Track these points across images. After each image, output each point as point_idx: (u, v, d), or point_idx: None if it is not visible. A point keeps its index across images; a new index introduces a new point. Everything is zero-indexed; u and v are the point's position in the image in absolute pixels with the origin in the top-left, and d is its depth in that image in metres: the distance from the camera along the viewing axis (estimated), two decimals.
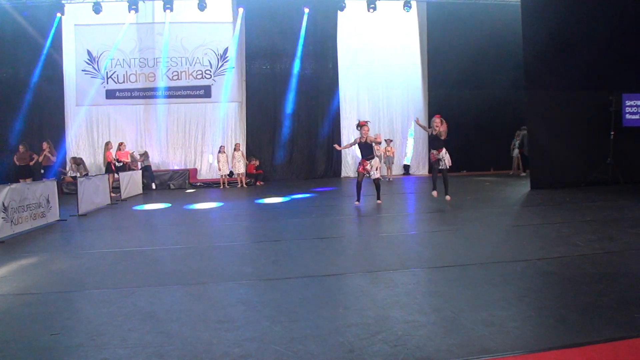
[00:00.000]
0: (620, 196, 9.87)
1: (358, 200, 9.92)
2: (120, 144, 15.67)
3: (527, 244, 5.76)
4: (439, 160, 9.74)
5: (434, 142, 9.93)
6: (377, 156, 17.08)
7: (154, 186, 16.64)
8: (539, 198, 10.20)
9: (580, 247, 5.49)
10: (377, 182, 9.99)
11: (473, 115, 18.97)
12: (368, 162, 9.81)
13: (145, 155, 17.22)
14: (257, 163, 18.05)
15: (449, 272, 4.65)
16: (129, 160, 15.85)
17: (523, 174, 16.54)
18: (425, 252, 5.61)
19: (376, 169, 9.84)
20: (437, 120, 9.77)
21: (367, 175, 9.85)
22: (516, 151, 17.40)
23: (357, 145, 9.94)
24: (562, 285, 4.16)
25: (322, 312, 3.69)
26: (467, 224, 7.37)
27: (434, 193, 9.93)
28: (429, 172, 19.43)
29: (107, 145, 15.21)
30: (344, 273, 4.79)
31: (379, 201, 9.95)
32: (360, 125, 9.79)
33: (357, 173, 10.03)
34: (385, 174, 17.42)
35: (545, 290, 4.05)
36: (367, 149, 9.80)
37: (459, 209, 8.97)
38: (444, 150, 9.74)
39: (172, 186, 17.12)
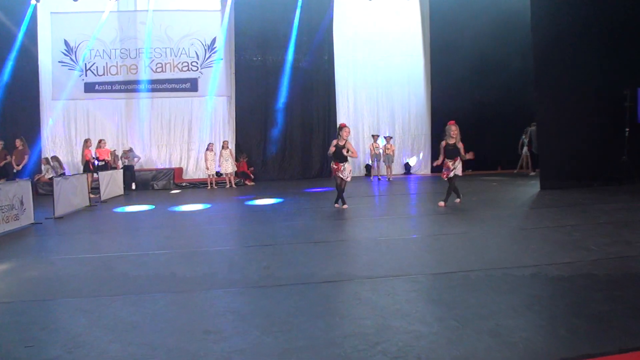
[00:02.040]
0: (636, 196, 9.91)
1: (344, 203, 9.90)
2: (100, 141, 15.63)
3: (536, 248, 5.78)
4: (451, 169, 9.66)
5: (450, 152, 9.73)
6: (377, 154, 17.34)
7: (133, 186, 16.59)
8: (549, 199, 10.23)
9: (594, 251, 5.51)
10: (343, 187, 9.89)
11: (479, 110, 19.02)
12: (342, 164, 9.68)
13: (130, 152, 17.15)
14: (247, 158, 18.00)
15: (453, 278, 4.66)
16: (109, 158, 15.80)
17: (532, 173, 16.59)
18: (428, 258, 5.61)
19: (349, 172, 9.82)
20: (453, 127, 9.72)
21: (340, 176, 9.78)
22: (525, 149, 17.46)
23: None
24: (573, 293, 4.17)
25: (317, 322, 3.69)
26: (473, 227, 7.39)
27: (442, 204, 9.77)
28: (432, 171, 19.53)
29: (87, 142, 15.15)
30: (341, 280, 4.79)
31: (337, 205, 9.96)
32: (341, 128, 9.76)
33: (334, 177, 9.91)
34: (385, 173, 17.45)
35: (555, 298, 4.06)
36: (341, 155, 9.63)
37: (464, 211, 8.98)
38: (458, 159, 9.71)
39: (155, 186, 17.08)
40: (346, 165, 9.71)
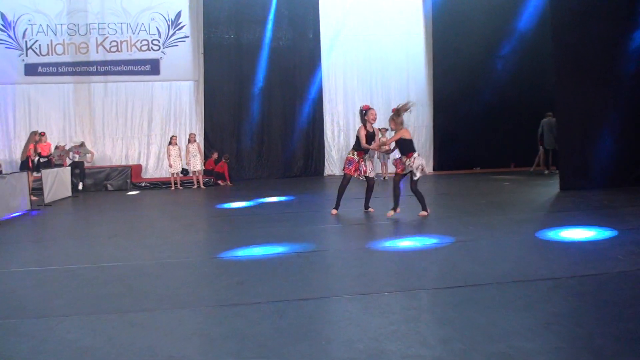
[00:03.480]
0: None
1: (337, 208, 9.70)
2: (42, 135, 15.46)
3: (555, 258, 5.82)
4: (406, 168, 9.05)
5: (402, 145, 9.11)
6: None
7: (80, 186, 16.46)
8: (569, 201, 10.32)
9: (621, 261, 5.56)
10: (372, 183, 9.78)
11: (489, 98, 19.14)
12: (364, 161, 9.56)
13: (82, 147, 17.00)
14: (228, 159, 17.93)
15: (459, 293, 4.68)
16: (51, 153, 15.66)
17: (546, 172, 16.71)
18: (430, 270, 5.64)
19: (371, 169, 9.74)
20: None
21: (361, 177, 9.68)
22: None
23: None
24: (598, 309, 4.21)
25: (299, 346, 3.68)
26: (481, 234, 7.43)
27: (390, 213, 9.13)
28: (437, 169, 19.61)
29: (33, 135, 14.96)
30: (328, 296, 4.79)
31: (370, 209, 9.81)
32: (365, 110, 9.50)
33: (343, 174, 9.69)
34: (380, 171, 17.49)
35: (578, 316, 4.09)
36: (370, 142, 9.53)
37: (471, 216, 9.03)
38: (415, 153, 9.03)
39: (109, 187, 16.98)
40: (368, 161, 9.67)
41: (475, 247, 6.60)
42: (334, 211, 9.69)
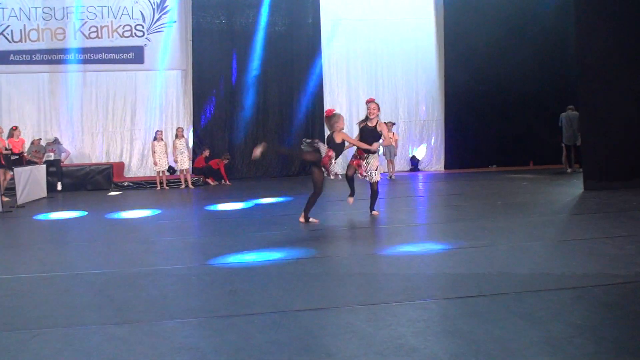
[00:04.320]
0: None
1: (352, 195, 9.82)
2: (14, 129, 15.44)
3: (578, 265, 5.83)
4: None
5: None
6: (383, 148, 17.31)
7: (59, 187, 16.47)
8: (594, 202, 10.31)
9: None
10: (375, 188, 9.64)
11: (506, 90, 19.15)
12: (365, 160, 9.42)
13: (55, 143, 17.01)
14: (228, 159, 17.92)
15: (473, 304, 4.68)
16: (23, 150, 15.65)
17: (569, 170, 16.71)
18: (440, 278, 5.64)
19: (376, 169, 9.52)
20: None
21: (363, 176, 9.58)
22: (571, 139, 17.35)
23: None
24: (626, 321, 4.21)
25: None
26: (498, 238, 7.43)
27: (350, 200, 9.85)
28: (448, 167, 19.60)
29: (12, 130, 14.94)
30: (329, 306, 4.79)
31: (374, 212, 9.76)
32: (367, 103, 9.51)
33: (347, 167, 9.79)
34: (386, 170, 17.50)
35: (603, 328, 4.09)
36: (372, 137, 9.35)
37: (486, 218, 9.03)
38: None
39: (89, 187, 16.97)
40: (372, 160, 9.42)
41: (491, 252, 6.60)
42: (351, 199, 9.84)
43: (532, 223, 8.49)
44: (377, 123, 9.35)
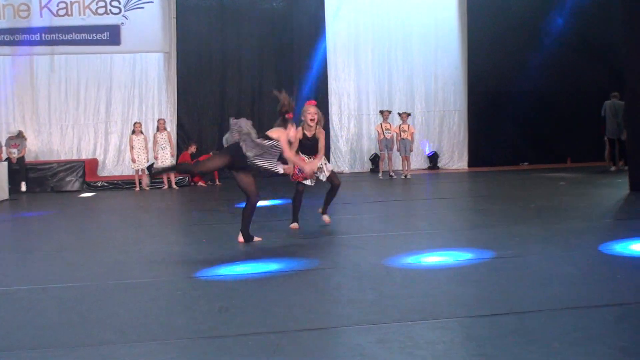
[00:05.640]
0: None
1: (295, 220, 9.41)
2: None
3: (623, 279, 5.81)
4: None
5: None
6: (387, 139, 17.30)
7: (23, 187, 16.48)
8: None
9: None
10: (336, 184, 9.29)
11: (539, 76, 19.09)
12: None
13: (20, 138, 17.02)
14: (195, 149, 17.90)
15: (500, 323, 4.67)
16: None
17: (612, 168, 16.67)
18: (464, 293, 5.63)
19: (325, 165, 9.28)
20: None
21: (310, 182, 9.16)
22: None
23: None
24: None
25: None
26: (530, 247, 7.41)
27: (294, 225, 9.34)
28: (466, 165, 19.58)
29: None
30: (334, 326, 4.78)
31: (325, 217, 9.49)
32: (305, 108, 9.27)
33: (296, 184, 9.28)
34: (401, 168, 17.49)
35: None
36: (310, 148, 9.20)
37: (516, 224, 9.02)
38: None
39: (57, 187, 16.97)
40: (316, 161, 9.06)
41: (522, 264, 6.59)
42: (295, 225, 9.34)
43: (569, 230, 8.47)
44: (316, 131, 9.13)
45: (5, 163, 15.79)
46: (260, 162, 8.10)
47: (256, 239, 8.50)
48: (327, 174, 9.18)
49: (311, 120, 9.08)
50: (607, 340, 4.25)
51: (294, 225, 9.31)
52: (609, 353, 4.02)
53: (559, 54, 19.09)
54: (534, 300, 5.21)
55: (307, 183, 9.02)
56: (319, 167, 9.05)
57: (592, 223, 9.02)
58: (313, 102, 9.57)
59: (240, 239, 8.40)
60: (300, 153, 9.07)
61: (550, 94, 19.20)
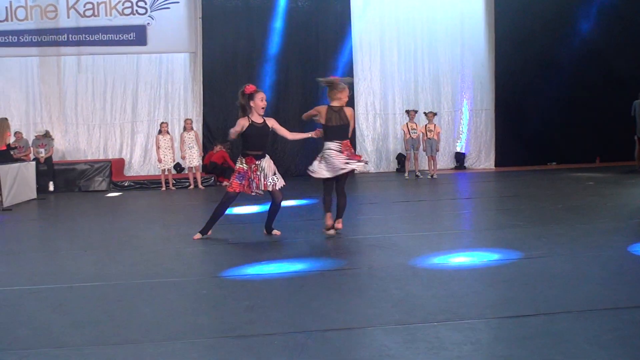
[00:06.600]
0: None
1: (270, 231, 8.98)
2: (2, 121, 15.59)
3: None
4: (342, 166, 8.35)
5: (337, 132, 8.56)
6: (413, 139, 17.29)
7: (51, 187, 16.62)
8: None
9: None
10: (278, 198, 8.70)
11: (569, 74, 18.93)
12: (257, 163, 8.51)
13: (47, 138, 17.16)
14: (219, 149, 17.87)
15: (528, 325, 4.65)
16: (11, 143, 15.77)
17: None
18: (491, 294, 5.61)
19: (274, 174, 8.63)
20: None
21: (257, 191, 8.73)
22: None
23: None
24: None
25: None
26: (557, 248, 7.37)
27: (331, 232, 8.65)
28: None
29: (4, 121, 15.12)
30: (360, 326, 4.78)
31: (275, 231, 8.97)
32: (249, 93, 8.83)
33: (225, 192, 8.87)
34: (427, 168, 17.43)
35: None
36: (262, 138, 8.61)
37: (544, 225, 8.96)
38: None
39: (84, 187, 17.09)
40: (265, 163, 8.56)
41: (550, 264, 6.55)
42: (198, 235, 8.90)
43: (598, 230, 8.41)
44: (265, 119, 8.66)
45: (34, 163, 15.92)
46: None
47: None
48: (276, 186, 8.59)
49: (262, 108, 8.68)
50: (636, 342, 4.21)
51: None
52: (638, 356, 3.98)
53: (588, 51, 18.93)
54: (562, 301, 5.18)
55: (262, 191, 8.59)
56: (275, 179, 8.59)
57: (621, 223, 8.94)
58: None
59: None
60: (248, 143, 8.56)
61: (578, 92, 19.01)
